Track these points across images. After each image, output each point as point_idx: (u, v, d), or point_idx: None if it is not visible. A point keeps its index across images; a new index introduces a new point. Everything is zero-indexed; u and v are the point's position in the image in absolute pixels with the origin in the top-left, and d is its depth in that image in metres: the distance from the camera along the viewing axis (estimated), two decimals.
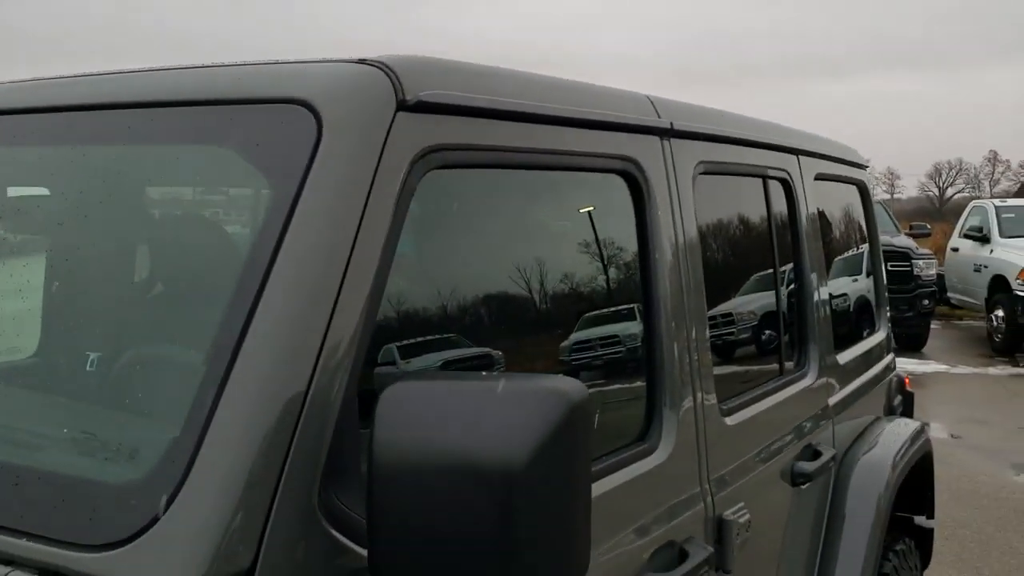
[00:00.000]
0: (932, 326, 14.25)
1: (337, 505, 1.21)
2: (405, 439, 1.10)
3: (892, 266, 11.99)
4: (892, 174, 62.98)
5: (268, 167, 1.34)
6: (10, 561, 1.12)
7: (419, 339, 1.49)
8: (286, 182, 1.28)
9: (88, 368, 1.42)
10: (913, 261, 13.19)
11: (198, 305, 1.40)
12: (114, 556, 1.10)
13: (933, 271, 13.64)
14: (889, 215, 14.70)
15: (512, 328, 1.72)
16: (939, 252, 16.39)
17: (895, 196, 59.91)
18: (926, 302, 13.29)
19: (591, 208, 1.96)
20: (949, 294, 15.74)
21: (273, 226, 1.25)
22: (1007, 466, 7.85)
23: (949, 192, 60.62)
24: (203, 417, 1.15)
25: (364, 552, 1.21)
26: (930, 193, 61.80)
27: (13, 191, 1.76)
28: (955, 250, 15.72)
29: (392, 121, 1.35)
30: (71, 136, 1.57)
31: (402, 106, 1.37)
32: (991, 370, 12.54)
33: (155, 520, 1.10)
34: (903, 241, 13.75)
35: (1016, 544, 6.06)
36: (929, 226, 16.46)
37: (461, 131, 1.47)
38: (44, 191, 1.70)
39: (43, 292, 1.67)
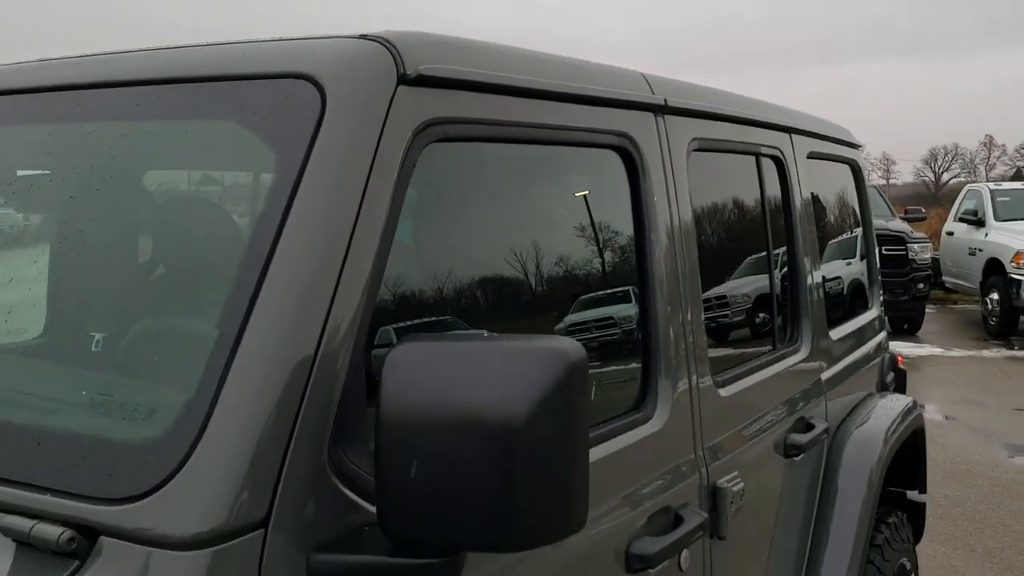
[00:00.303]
0: (927, 310, 14.33)
1: (346, 463, 1.26)
2: (411, 397, 1.15)
3: (887, 250, 12.04)
4: (888, 159, 62.94)
5: (274, 140, 1.38)
6: (36, 515, 1.17)
7: (414, 321, 1.53)
8: (292, 154, 1.32)
9: (103, 338, 1.47)
10: (908, 245, 13.24)
11: (209, 275, 1.45)
12: (134, 508, 1.15)
13: (928, 255, 13.69)
14: (884, 199, 14.74)
15: (509, 297, 1.76)
16: (934, 237, 16.44)
17: (891, 181, 59.86)
18: (921, 286, 13.35)
19: (588, 183, 2.01)
20: (944, 278, 15.80)
21: (280, 197, 1.29)
22: (1001, 446, 7.93)
23: (945, 177, 60.58)
24: (216, 380, 1.19)
25: (372, 508, 1.26)
26: (926, 178, 61.79)
27: (22, 172, 1.80)
28: (950, 234, 15.77)
29: (393, 94, 1.40)
30: (77, 114, 1.61)
31: (403, 80, 1.42)
32: (986, 353, 12.61)
33: (173, 475, 1.15)
34: (898, 225, 13.80)
35: (1009, 522, 6.14)
36: (924, 210, 16.50)
37: (460, 105, 1.52)
38: (50, 170, 1.74)
39: (51, 269, 1.72)
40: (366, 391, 1.31)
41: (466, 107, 1.53)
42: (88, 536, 1.15)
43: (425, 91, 1.45)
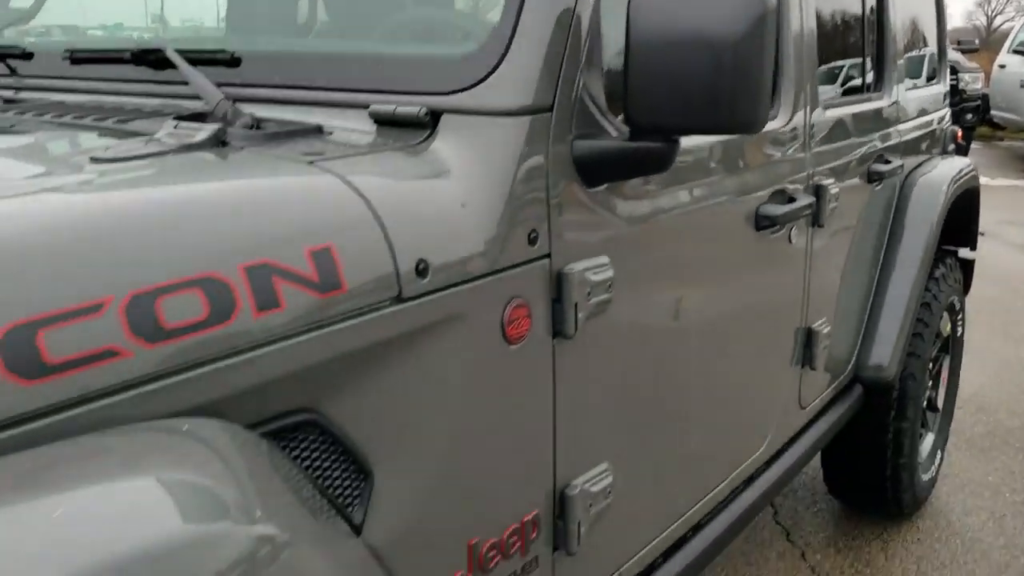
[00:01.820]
0: (973, 146, 14.48)
1: (591, 87, 1.76)
2: (652, 25, 1.62)
3: None
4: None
5: None
6: (392, 111, 1.67)
7: None
8: None
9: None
10: (959, 75, 13.30)
11: None
12: (466, 95, 1.64)
13: (979, 85, 13.77)
14: None
15: None
16: (985, 78, 16.42)
17: None
18: (970, 116, 13.47)
19: None
20: (992, 112, 15.81)
21: None
22: None
23: (998, 21, 58.77)
24: (514, 13, 1.67)
25: (606, 122, 1.76)
26: (977, 23, 60.00)
27: None
28: (1002, 67, 15.72)
29: None
30: None
31: None
32: None
33: (491, 73, 1.64)
34: (950, 54, 13.83)
35: None
36: (977, 41, 16.40)
37: None
38: None
39: None
40: (600, 43, 1.79)
41: None
42: (434, 116, 1.66)
43: None
